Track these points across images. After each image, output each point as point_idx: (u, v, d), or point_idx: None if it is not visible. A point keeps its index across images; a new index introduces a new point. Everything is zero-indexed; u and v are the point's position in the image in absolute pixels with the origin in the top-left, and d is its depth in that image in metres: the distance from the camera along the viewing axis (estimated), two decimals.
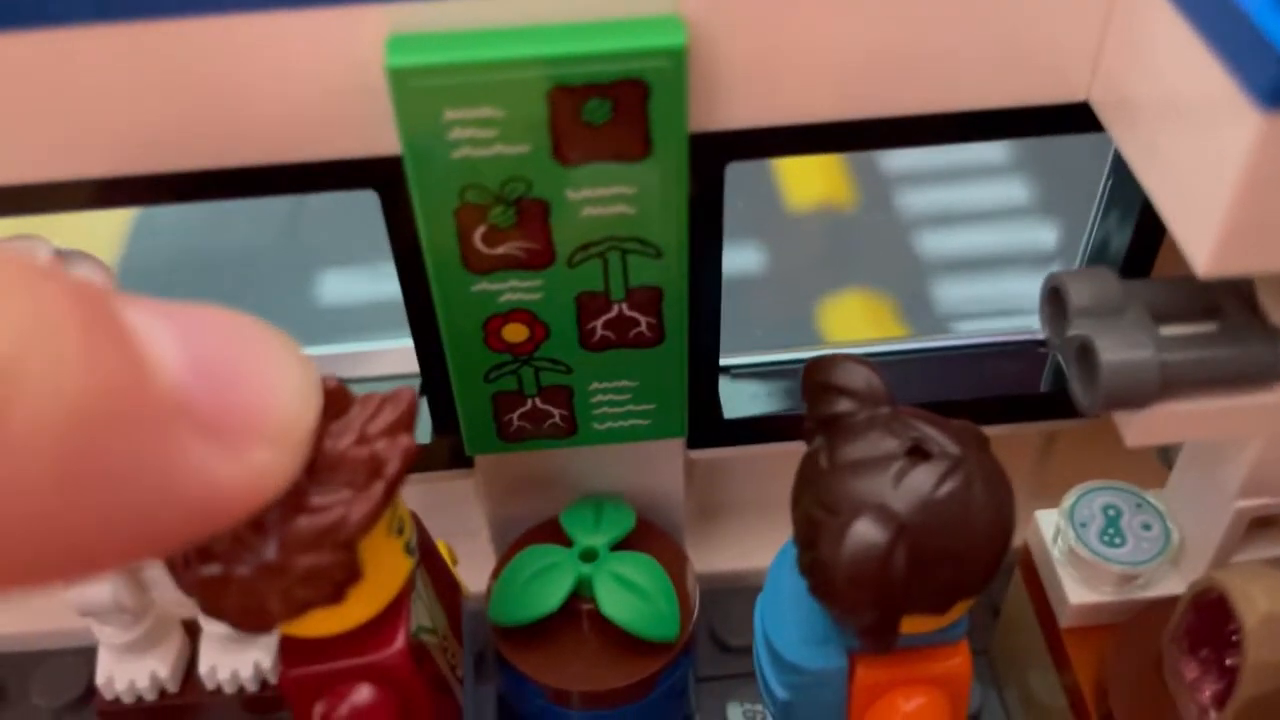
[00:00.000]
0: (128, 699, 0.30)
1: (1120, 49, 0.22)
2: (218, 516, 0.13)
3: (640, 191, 0.23)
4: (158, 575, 0.28)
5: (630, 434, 0.28)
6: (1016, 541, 0.22)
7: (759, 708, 0.32)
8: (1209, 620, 0.24)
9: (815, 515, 0.21)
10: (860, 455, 0.21)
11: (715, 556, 0.34)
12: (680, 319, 0.26)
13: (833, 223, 0.70)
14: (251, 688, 0.30)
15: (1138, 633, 0.27)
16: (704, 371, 0.29)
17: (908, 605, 0.21)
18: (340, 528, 0.18)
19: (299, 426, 0.15)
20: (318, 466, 0.17)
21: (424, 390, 0.28)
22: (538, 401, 0.27)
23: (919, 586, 0.20)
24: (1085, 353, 0.22)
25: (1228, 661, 0.24)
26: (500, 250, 0.24)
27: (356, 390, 0.19)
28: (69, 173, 0.23)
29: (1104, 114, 0.23)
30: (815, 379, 0.22)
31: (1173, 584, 0.27)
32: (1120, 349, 0.21)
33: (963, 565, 0.21)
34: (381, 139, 0.22)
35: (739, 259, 0.66)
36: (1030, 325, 0.32)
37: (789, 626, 0.24)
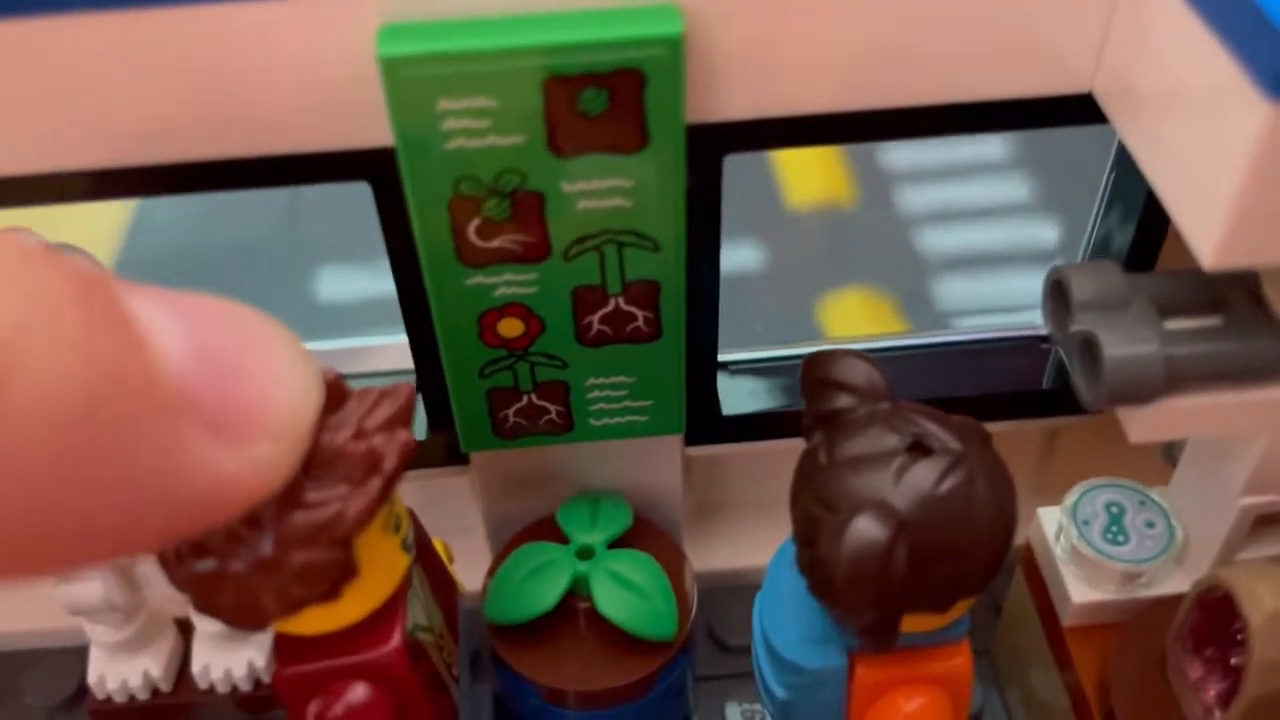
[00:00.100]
0: (120, 698, 0.30)
1: (1124, 39, 0.22)
2: (216, 510, 0.13)
3: (637, 184, 0.23)
4: (149, 573, 0.28)
5: (627, 430, 0.28)
6: (1018, 539, 0.22)
7: (758, 707, 0.31)
8: (1214, 619, 0.24)
9: (814, 512, 0.21)
10: (860, 451, 0.21)
11: (713, 554, 0.34)
12: (678, 314, 0.25)
13: (833, 220, 0.70)
14: (245, 687, 0.30)
15: (1141, 632, 0.27)
16: (702, 367, 0.29)
17: (908, 604, 0.20)
18: (337, 524, 0.17)
19: (300, 420, 0.15)
20: (314, 461, 0.17)
21: (419, 386, 0.28)
22: (533, 397, 0.27)
23: (920, 585, 0.20)
24: (1089, 347, 0.22)
25: (1233, 661, 0.24)
26: (495, 243, 0.23)
27: (352, 385, 0.19)
28: (58, 164, 0.23)
29: (1108, 105, 0.23)
30: (814, 374, 0.22)
31: (1177, 582, 0.27)
32: (1124, 343, 0.21)
33: (964, 563, 0.20)
34: (374, 130, 0.22)
35: (739, 256, 0.66)
36: (1032, 321, 0.32)
37: (788, 625, 0.24)
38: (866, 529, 0.20)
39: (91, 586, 0.27)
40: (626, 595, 0.28)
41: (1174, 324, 0.22)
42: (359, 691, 0.22)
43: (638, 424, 0.28)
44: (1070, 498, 0.28)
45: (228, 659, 0.30)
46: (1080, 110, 0.23)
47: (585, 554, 0.29)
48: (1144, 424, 0.22)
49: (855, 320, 0.63)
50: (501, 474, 0.31)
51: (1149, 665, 0.26)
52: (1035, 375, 0.31)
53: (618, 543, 0.29)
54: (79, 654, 0.31)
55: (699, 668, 0.33)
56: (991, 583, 0.21)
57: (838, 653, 0.23)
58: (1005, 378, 0.31)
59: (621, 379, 0.27)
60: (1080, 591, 0.27)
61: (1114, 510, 0.28)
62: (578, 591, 0.28)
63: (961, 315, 0.64)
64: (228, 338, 0.14)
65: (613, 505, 0.30)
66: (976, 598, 0.22)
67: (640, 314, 0.25)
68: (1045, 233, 0.70)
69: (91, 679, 0.30)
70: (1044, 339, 0.32)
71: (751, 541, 0.35)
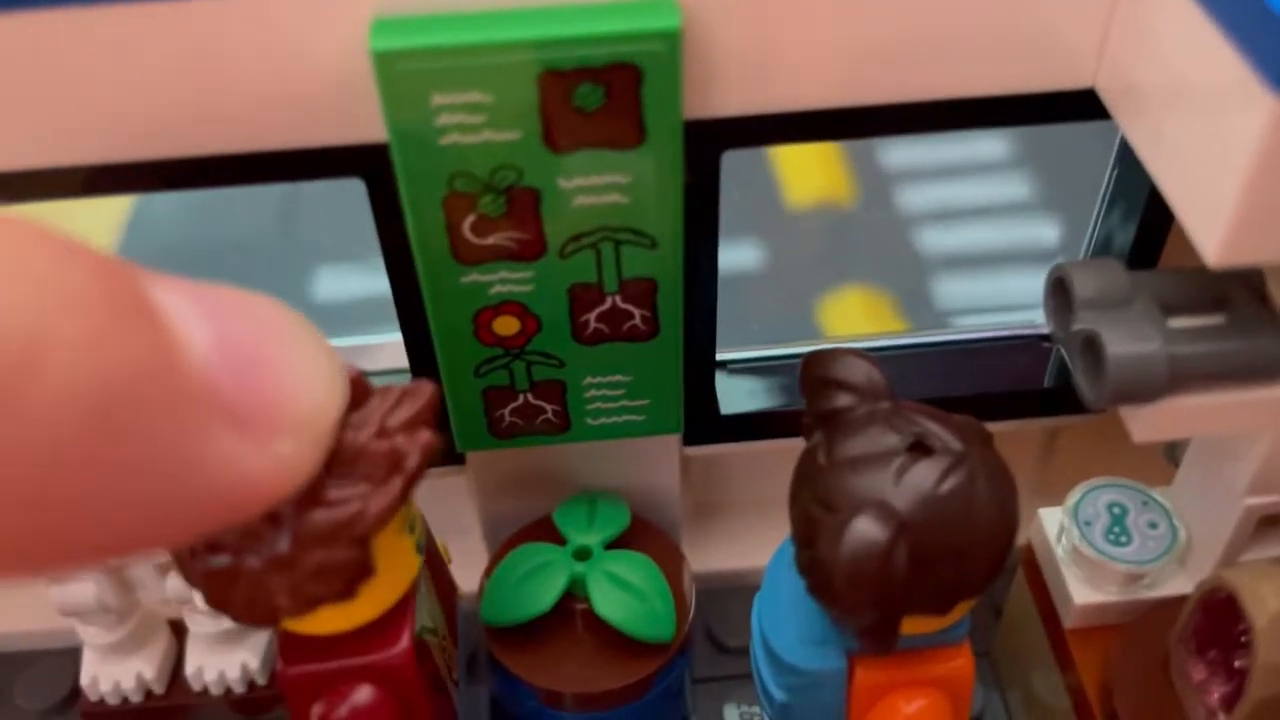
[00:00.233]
0: (113, 700, 0.30)
1: (1127, 33, 0.22)
2: (238, 506, 0.13)
3: (634, 180, 0.22)
4: (142, 575, 0.28)
5: (625, 430, 0.28)
6: (1019, 540, 0.21)
7: (757, 710, 0.31)
8: (1217, 620, 0.24)
9: (813, 513, 0.21)
10: (860, 451, 0.21)
11: (712, 555, 0.34)
12: (675, 312, 0.25)
13: (832, 219, 0.70)
14: (239, 689, 0.30)
15: (1144, 633, 0.27)
16: (700, 366, 0.28)
17: (908, 605, 0.20)
18: (357, 522, 0.17)
19: (324, 417, 0.14)
20: (336, 459, 0.17)
21: None
22: (530, 397, 0.27)
23: (920, 586, 0.20)
24: (1091, 346, 0.21)
25: (1236, 663, 0.24)
26: (490, 240, 0.23)
27: None
28: (51, 160, 0.23)
29: (1110, 100, 0.23)
30: (814, 373, 0.22)
31: (1180, 583, 0.27)
32: (1127, 342, 0.21)
33: (965, 564, 0.20)
34: (368, 125, 0.22)
35: (738, 256, 0.66)
36: (1033, 320, 0.31)
37: (787, 627, 0.24)
38: (866, 529, 0.19)
39: (84, 587, 0.27)
40: (624, 596, 0.27)
41: (1177, 322, 0.22)
42: (364, 693, 0.22)
43: (635, 423, 0.28)
44: (1072, 498, 0.28)
45: (221, 661, 0.29)
46: (1082, 106, 0.23)
47: (582, 555, 0.28)
48: (1147, 423, 0.22)
49: (855, 319, 0.63)
50: (498, 474, 0.30)
51: (1152, 667, 0.26)
52: (1036, 374, 0.31)
53: (615, 543, 0.29)
54: (72, 656, 0.31)
55: (697, 669, 0.33)
56: (993, 584, 0.21)
57: (837, 654, 0.23)
58: (1006, 377, 0.31)
59: (619, 378, 0.27)
60: (1082, 593, 0.27)
61: (1116, 511, 0.28)
62: (575, 593, 0.28)
63: (961, 315, 0.64)
64: (252, 330, 0.13)
65: (610, 506, 0.30)
66: (977, 599, 0.21)
67: (637, 312, 0.25)
68: (1046, 232, 0.69)
69: (84, 681, 0.29)
70: (1045, 338, 0.32)
71: (750, 542, 0.34)
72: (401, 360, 0.28)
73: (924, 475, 0.20)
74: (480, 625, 0.28)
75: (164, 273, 0.13)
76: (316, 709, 0.22)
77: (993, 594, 0.33)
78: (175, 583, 0.27)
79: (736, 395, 0.30)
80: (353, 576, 0.18)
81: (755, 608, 0.25)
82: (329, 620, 0.21)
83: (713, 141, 0.23)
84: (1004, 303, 0.64)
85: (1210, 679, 0.24)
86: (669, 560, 0.29)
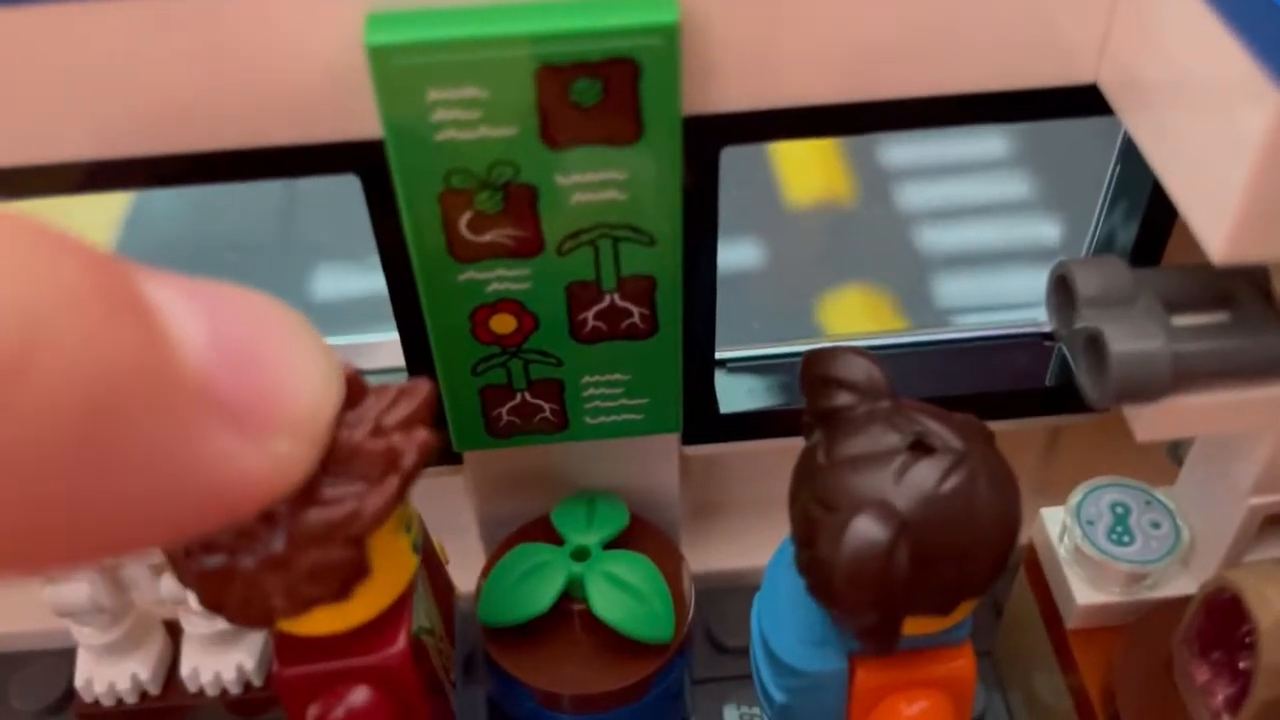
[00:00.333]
0: (108, 701, 0.29)
1: (1130, 28, 0.21)
2: (234, 506, 0.13)
3: (632, 176, 0.22)
4: (136, 575, 0.28)
5: (623, 429, 0.28)
6: (1021, 540, 0.21)
7: (756, 711, 0.31)
8: (1221, 622, 0.24)
9: (813, 512, 0.20)
10: (860, 450, 0.20)
11: (711, 555, 0.34)
12: (674, 310, 0.25)
13: (832, 217, 0.70)
14: (234, 690, 0.30)
15: (1146, 634, 0.26)
16: (699, 365, 0.28)
17: (910, 606, 0.20)
18: (353, 522, 0.17)
19: (321, 415, 0.14)
20: (331, 458, 0.17)
21: None
22: (527, 395, 0.26)
23: (921, 586, 0.20)
24: (1094, 344, 0.21)
25: (1241, 664, 0.24)
26: (487, 237, 0.23)
27: None
28: (44, 157, 0.22)
29: (1113, 96, 0.22)
30: (814, 371, 0.22)
31: (1183, 584, 0.27)
32: (1130, 339, 0.21)
33: (967, 564, 0.20)
34: (363, 121, 0.22)
35: (738, 254, 0.66)
36: (1035, 318, 0.31)
37: (787, 627, 0.24)
38: (867, 529, 0.19)
39: (78, 588, 0.27)
40: (622, 597, 0.27)
41: (1181, 320, 0.22)
42: (360, 695, 0.22)
43: (634, 422, 0.28)
44: (1074, 497, 0.28)
45: (217, 662, 0.29)
46: (1084, 102, 0.23)
47: (581, 555, 0.28)
48: (1150, 422, 0.22)
49: (855, 318, 0.63)
50: (495, 473, 0.30)
51: (1155, 668, 0.26)
52: (1038, 373, 0.31)
53: (614, 543, 0.29)
54: (66, 656, 0.31)
55: (696, 670, 0.32)
56: (994, 584, 0.21)
57: (837, 655, 0.23)
58: (1008, 375, 0.31)
59: (617, 376, 0.26)
60: (1084, 593, 0.27)
61: (1119, 510, 0.27)
62: (573, 593, 0.28)
63: (962, 313, 0.64)
64: (248, 328, 0.13)
65: (609, 505, 0.30)
66: (979, 599, 0.21)
67: (636, 310, 0.25)
68: (1047, 230, 0.69)
69: (79, 682, 0.29)
70: (1047, 336, 0.31)
71: (750, 542, 0.34)
72: (398, 359, 0.28)
73: (925, 474, 0.20)
74: (477, 626, 0.28)
75: (161, 270, 0.13)
76: (312, 710, 0.22)
77: (994, 594, 0.32)
78: (170, 583, 0.27)
79: (736, 394, 0.30)
80: (348, 577, 0.17)
81: (755, 608, 0.25)
82: (325, 621, 0.21)
83: (712, 137, 0.23)
84: (1005, 301, 0.64)
85: (1214, 680, 0.24)
86: (668, 560, 0.29)
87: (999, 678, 0.33)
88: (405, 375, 0.27)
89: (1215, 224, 0.18)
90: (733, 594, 0.33)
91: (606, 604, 0.27)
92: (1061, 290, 0.23)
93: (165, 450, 0.12)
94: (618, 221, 0.23)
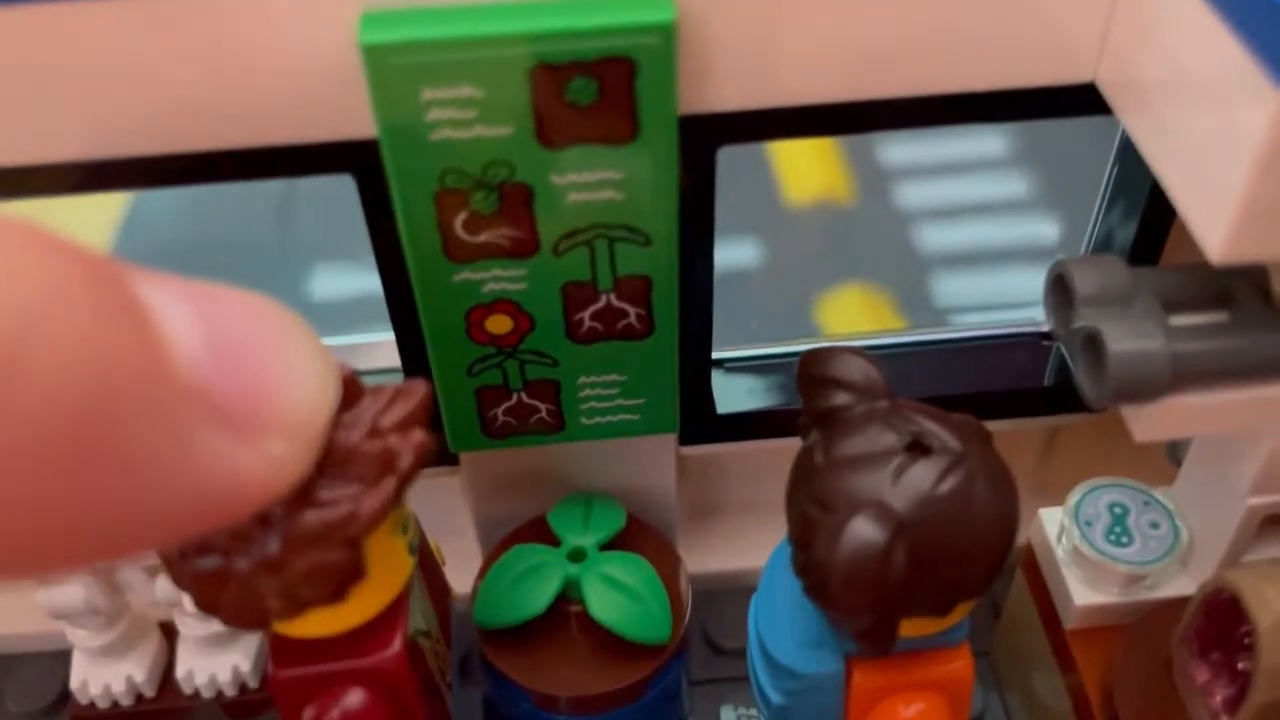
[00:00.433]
0: (103, 704, 0.29)
1: (1129, 27, 0.21)
2: (229, 508, 0.13)
3: (628, 176, 0.22)
4: (131, 577, 0.27)
5: (620, 429, 0.28)
6: (1019, 540, 0.21)
7: (753, 712, 0.31)
8: (1220, 622, 0.24)
9: (810, 513, 0.20)
10: (858, 451, 0.20)
11: (708, 556, 0.34)
12: (670, 310, 0.25)
13: (831, 216, 0.70)
14: (230, 692, 0.30)
15: (1145, 635, 0.26)
16: (696, 365, 0.28)
17: (907, 607, 0.20)
18: (349, 523, 0.17)
19: (316, 417, 0.14)
20: (327, 460, 0.17)
21: None
22: (523, 396, 0.26)
23: (919, 587, 0.20)
24: (1092, 343, 0.21)
25: (1240, 665, 0.24)
26: (482, 238, 0.23)
27: None
28: (39, 157, 0.22)
29: (1111, 95, 0.22)
30: (811, 371, 0.22)
31: (1182, 584, 0.27)
32: (1129, 339, 0.21)
33: (964, 565, 0.20)
34: (357, 121, 0.22)
35: (736, 253, 0.66)
36: (1033, 318, 0.31)
37: (784, 629, 0.24)
38: (864, 530, 0.19)
39: (73, 590, 0.27)
40: (619, 598, 0.27)
41: (1180, 320, 0.22)
42: (355, 697, 0.22)
43: (630, 423, 0.27)
44: (1072, 498, 0.28)
45: (212, 664, 0.29)
46: (1083, 101, 0.23)
47: (577, 556, 0.28)
48: (1149, 422, 0.22)
49: (853, 317, 0.63)
50: (491, 474, 0.30)
51: (1154, 669, 0.26)
52: (1036, 372, 0.31)
53: (610, 544, 0.29)
54: (62, 658, 0.31)
55: (693, 671, 0.32)
56: (992, 585, 0.21)
57: (834, 657, 0.23)
58: (1006, 375, 0.31)
59: (613, 377, 0.26)
60: (1083, 594, 0.27)
61: (1117, 511, 0.27)
62: (569, 594, 0.28)
63: (961, 312, 0.64)
64: (244, 329, 0.13)
65: (605, 506, 0.29)
66: (977, 600, 0.21)
67: (632, 310, 0.25)
68: (1045, 229, 0.69)
69: (74, 684, 0.29)
70: (1045, 335, 0.31)
71: (747, 543, 0.34)
72: (394, 359, 0.28)
73: (922, 475, 0.20)
74: (474, 627, 0.28)
75: (158, 270, 0.13)
76: (308, 712, 0.22)
77: (992, 595, 0.32)
78: (164, 585, 0.27)
79: (733, 394, 0.30)
80: (344, 579, 0.17)
81: (752, 609, 0.25)
82: (320, 623, 0.21)
83: (708, 136, 0.23)
84: (1003, 300, 0.63)
85: (1213, 681, 0.24)
86: (665, 561, 0.29)
87: (997, 679, 0.33)
88: (401, 376, 0.27)
89: (1214, 223, 0.18)
90: (730, 595, 0.33)
91: (603, 605, 0.27)
92: (1060, 289, 0.23)
93: (159, 452, 0.12)
94: (614, 221, 0.23)
